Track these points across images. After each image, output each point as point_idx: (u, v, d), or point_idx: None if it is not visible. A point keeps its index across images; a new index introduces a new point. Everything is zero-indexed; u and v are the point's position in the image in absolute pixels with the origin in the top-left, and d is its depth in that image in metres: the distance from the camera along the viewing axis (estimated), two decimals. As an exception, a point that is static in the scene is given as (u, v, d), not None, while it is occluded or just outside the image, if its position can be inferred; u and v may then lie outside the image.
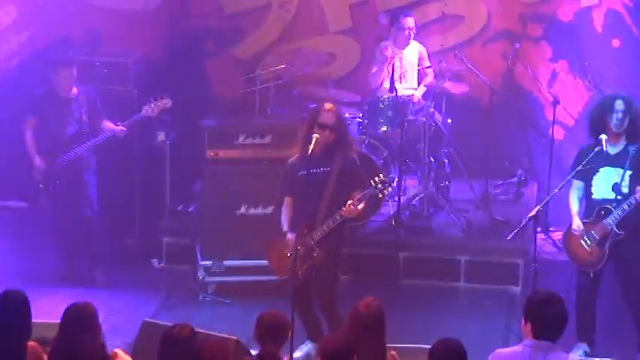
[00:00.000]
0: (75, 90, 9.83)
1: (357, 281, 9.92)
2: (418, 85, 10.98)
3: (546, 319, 6.24)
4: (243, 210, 9.82)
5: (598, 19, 11.35)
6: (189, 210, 10.59)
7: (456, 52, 10.95)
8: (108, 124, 9.80)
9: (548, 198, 8.36)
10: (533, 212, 8.15)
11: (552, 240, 10.42)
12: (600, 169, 8.25)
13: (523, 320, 6.35)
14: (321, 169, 8.27)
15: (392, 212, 10.36)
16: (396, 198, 10.23)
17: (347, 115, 9.87)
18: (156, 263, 10.45)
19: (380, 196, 8.11)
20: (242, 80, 11.26)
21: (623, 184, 8.20)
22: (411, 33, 10.88)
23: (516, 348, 6.39)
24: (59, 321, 6.56)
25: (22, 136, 9.98)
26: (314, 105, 9.18)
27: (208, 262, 9.85)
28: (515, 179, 11.30)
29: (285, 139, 9.68)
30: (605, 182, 8.25)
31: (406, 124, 10.35)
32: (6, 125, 11.39)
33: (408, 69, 10.90)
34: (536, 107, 11.47)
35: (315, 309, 8.52)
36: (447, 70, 10.87)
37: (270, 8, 11.81)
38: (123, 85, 10.68)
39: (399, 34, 10.86)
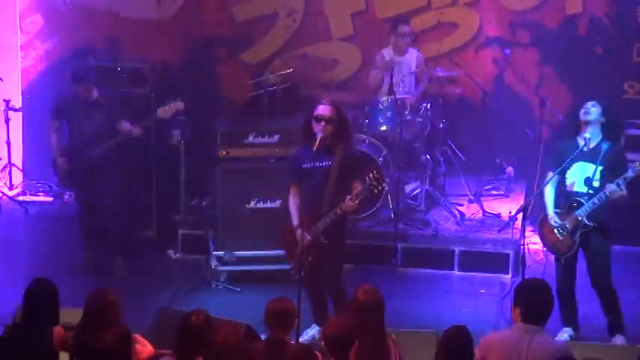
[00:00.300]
0: (95, 94, 9.84)
1: (358, 270, 9.90)
2: (415, 89, 10.97)
3: (534, 305, 6.29)
4: (252, 204, 9.81)
5: (582, 26, 11.35)
6: (203, 204, 10.59)
7: (451, 57, 10.97)
8: (126, 125, 9.80)
9: (536, 193, 8.35)
10: (522, 206, 8.18)
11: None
12: (574, 164, 8.24)
13: (513, 305, 6.38)
14: (324, 162, 8.25)
15: (391, 206, 10.35)
16: (395, 193, 10.24)
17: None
18: (172, 253, 10.44)
19: (375, 191, 8.09)
20: (251, 84, 11.28)
21: (595, 178, 8.19)
22: (409, 40, 10.87)
23: (506, 331, 6.42)
24: (82, 307, 6.57)
25: (48, 137, 9.99)
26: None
27: (220, 253, 9.85)
28: (505, 176, 11.30)
29: (291, 138, 9.67)
30: (578, 176, 8.24)
31: (404, 124, 10.37)
32: (34, 127, 11.44)
33: (405, 74, 10.89)
34: (525, 108, 11.46)
35: (322, 294, 8.52)
36: (442, 74, 10.88)
37: (277, 17, 11.81)
38: (141, 88, 10.69)
39: (398, 41, 10.86)
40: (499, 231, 9.96)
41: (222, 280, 9.82)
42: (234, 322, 7.12)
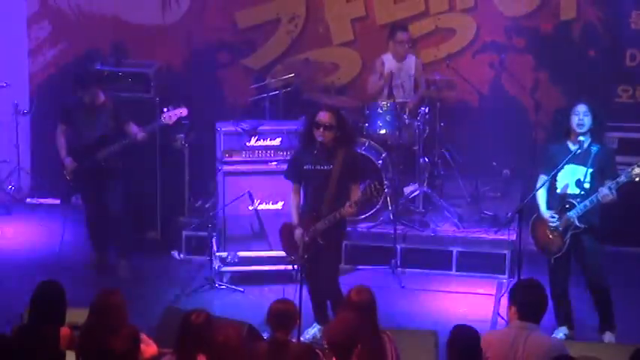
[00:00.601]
0: (102, 98, 9.81)
1: (358, 271, 9.91)
2: (414, 94, 10.94)
3: (529, 303, 6.32)
4: (255, 205, 9.79)
5: (576, 32, 11.33)
6: (207, 206, 10.58)
7: (448, 62, 10.95)
8: (131, 128, 9.77)
9: (531, 195, 8.33)
10: (518, 207, 8.16)
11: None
12: (565, 167, 8.22)
13: (509, 305, 6.38)
14: (325, 166, 8.26)
15: (390, 208, 10.33)
16: (394, 195, 10.22)
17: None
18: (176, 254, 10.42)
19: (374, 200, 8.14)
20: (253, 88, 11.26)
21: (586, 180, 8.17)
22: (407, 46, 10.85)
23: (504, 329, 6.42)
24: (88, 307, 6.55)
25: (55, 141, 9.96)
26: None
27: (224, 253, 9.83)
28: (501, 178, 11.27)
29: (293, 141, 9.64)
30: (569, 178, 8.22)
31: (403, 127, 10.35)
32: (42, 130, 11.41)
33: (404, 79, 10.86)
34: (521, 112, 11.44)
35: (321, 294, 8.50)
36: (439, 79, 10.87)
37: (279, 22, 11.79)
38: (145, 92, 10.66)
39: (397, 47, 10.83)
40: (496, 232, 9.95)
41: (225, 280, 9.79)
42: (237, 322, 7.09)
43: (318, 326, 8.56)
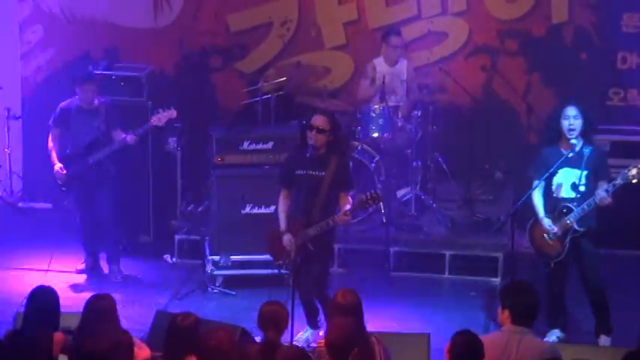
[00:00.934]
0: (96, 102, 9.81)
1: (351, 274, 9.90)
2: (406, 98, 10.94)
3: (521, 307, 6.29)
4: (247, 209, 9.78)
5: (567, 35, 11.35)
6: (199, 210, 10.57)
7: (440, 65, 10.96)
8: (120, 135, 9.76)
9: (524, 198, 8.32)
10: (511, 210, 8.16)
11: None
12: (559, 170, 8.23)
13: (500, 308, 6.36)
14: (317, 172, 8.25)
15: (383, 212, 10.32)
16: (387, 199, 10.22)
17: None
18: (169, 258, 10.41)
19: (369, 209, 8.17)
20: (246, 92, 11.26)
21: (581, 183, 8.18)
22: (400, 51, 10.86)
23: (497, 333, 6.40)
24: (80, 312, 6.53)
25: (48, 145, 9.95)
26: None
27: (216, 257, 9.81)
28: (494, 181, 11.28)
29: (285, 145, 9.65)
30: (564, 182, 8.22)
31: (396, 131, 10.35)
32: (34, 134, 11.39)
33: (396, 83, 10.86)
34: (513, 114, 11.45)
35: (312, 298, 8.49)
36: (432, 82, 10.88)
37: (271, 26, 11.79)
38: (137, 96, 10.65)
39: (389, 52, 10.84)
40: (488, 235, 9.96)
41: (217, 284, 9.78)
42: (230, 326, 7.08)
43: (311, 330, 8.55)
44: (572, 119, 8.19)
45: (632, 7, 11.17)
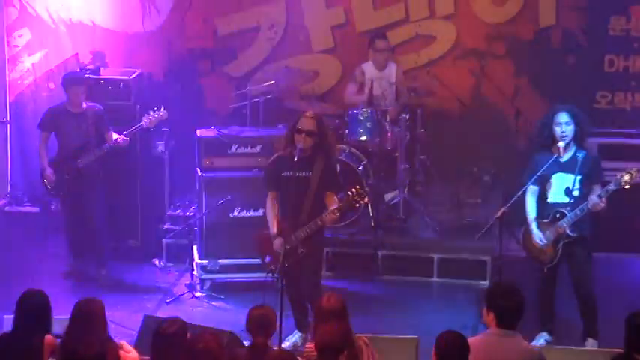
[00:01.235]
0: (84, 105, 9.84)
1: (340, 277, 9.93)
2: (395, 101, 10.98)
3: (507, 309, 6.27)
4: (236, 213, 9.81)
5: (555, 38, 11.42)
6: (187, 214, 10.59)
7: (428, 69, 11.00)
8: (112, 136, 9.81)
9: (512, 201, 8.36)
10: (499, 214, 8.20)
11: (516, 238, 10.43)
12: (553, 175, 8.28)
13: (486, 310, 6.36)
14: (304, 173, 8.28)
15: (371, 215, 10.36)
16: (375, 202, 10.27)
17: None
18: (157, 262, 10.43)
19: (357, 205, 8.16)
20: (234, 95, 11.29)
21: (574, 188, 8.23)
22: (386, 54, 10.90)
23: (482, 336, 6.43)
24: (69, 316, 6.55)
25: (36, 149, 9.97)
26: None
27: (204, 261, 9.84)
28: (482, 184, 11.33)
29: (273, 149, 9.67)
30: (558, 187, 8.28)
31: (384, 134, 10.40)
32: (21, 138, 11.40)
33: (385, 87, 10.90)
34: (501, 117, 11.51)
35: (302, 301, 8.53)
36: (420, 86, 10.92)
37: (259, 30, 11.82)
38: (126, 100, 10.63)
39: (376, 56, 10.88)
40: (476, 238, 9.96)
41: (206, 288, 9.81)
42: (218, 330, 7.12)
43: (299, 333, 8.58)
44: (563, 126, 8.23)
45: (619, 10, 11.24)
